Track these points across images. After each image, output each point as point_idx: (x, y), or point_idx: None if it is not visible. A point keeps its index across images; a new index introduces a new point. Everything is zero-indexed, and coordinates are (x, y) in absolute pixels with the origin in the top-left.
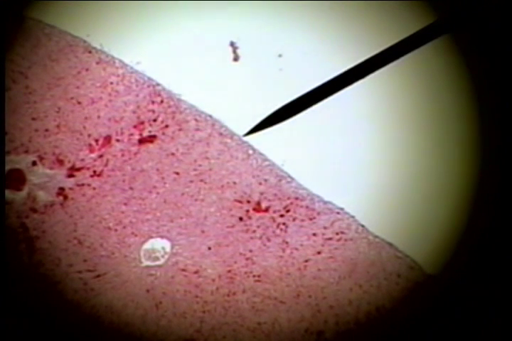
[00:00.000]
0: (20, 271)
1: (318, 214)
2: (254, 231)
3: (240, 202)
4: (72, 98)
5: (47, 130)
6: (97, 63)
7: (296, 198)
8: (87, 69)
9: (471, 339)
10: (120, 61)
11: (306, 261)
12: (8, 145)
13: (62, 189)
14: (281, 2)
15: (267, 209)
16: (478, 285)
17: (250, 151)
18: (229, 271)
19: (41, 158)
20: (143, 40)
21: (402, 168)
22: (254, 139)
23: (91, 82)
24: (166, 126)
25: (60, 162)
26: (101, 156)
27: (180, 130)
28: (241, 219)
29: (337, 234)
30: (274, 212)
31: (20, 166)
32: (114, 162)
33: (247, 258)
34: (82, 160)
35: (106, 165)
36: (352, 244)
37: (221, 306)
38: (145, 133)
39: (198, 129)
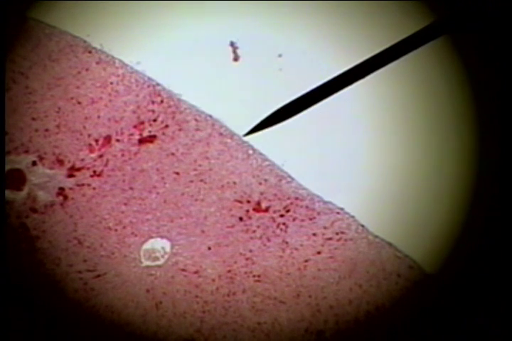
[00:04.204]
0: (20, 271)
1: (318, 214)
2: (254, 231)
3: (240, 202)
4: (72, 98)
5: (47, 130)
6: (97, 63)
7: (296, 198)
8: (87, 69)
9: (471, 339)
10: (120, 61)
11: (306, 261)
12: (8, 145)
13: (62, 189)
14: (281, 2)
15: (267, 209)
16: (478, 285)
17: (250, 151)
18: (229, 271)
19: (41, 158)
20: (143, 40)
21: (402, 168)
22: (254, 139)
23: (91, 82)
24: (166, 126)
25: (60, 162)
26: (101, 156)
27: (180, 130)
28: (241, 219)
29: (337, 234)
30: (274, 212)
31: (20, 166)
32: (114, 162)
33: (247, 258)
34: (82, 160)
35: (106, 165)
36: (352, 244)
37: (221, 306)
38: (145, 133)
39: (198, 129)
